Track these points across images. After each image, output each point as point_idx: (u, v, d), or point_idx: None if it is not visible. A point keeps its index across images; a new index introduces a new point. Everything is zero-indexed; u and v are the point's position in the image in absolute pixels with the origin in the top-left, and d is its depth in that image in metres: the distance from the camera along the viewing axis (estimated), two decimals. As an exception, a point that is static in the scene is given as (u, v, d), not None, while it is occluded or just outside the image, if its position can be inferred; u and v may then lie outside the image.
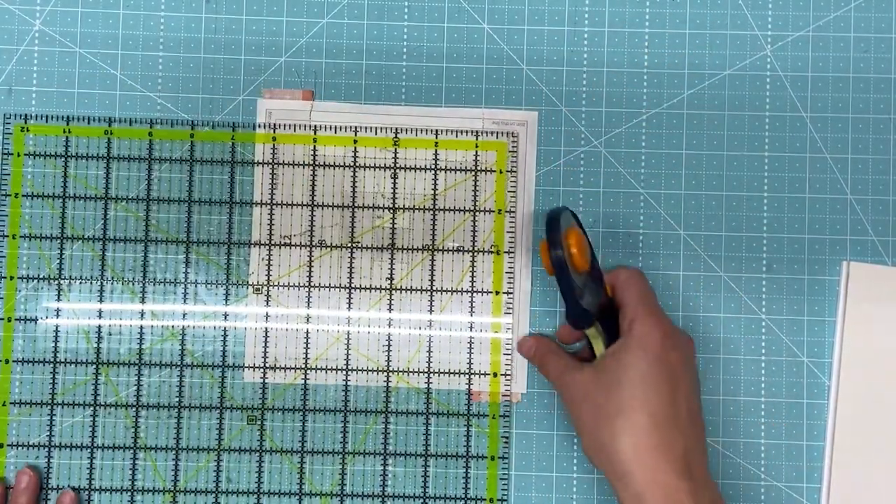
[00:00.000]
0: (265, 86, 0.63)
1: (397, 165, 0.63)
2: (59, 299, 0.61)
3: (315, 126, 0.63)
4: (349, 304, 0.62)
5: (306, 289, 0.62)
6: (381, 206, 0.63)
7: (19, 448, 0.61)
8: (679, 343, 0.55)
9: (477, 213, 0.63)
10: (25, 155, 0.62)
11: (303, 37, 0.63)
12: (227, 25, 0.63)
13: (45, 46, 0.63)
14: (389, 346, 0.62)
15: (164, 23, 0.63)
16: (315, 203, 0.62)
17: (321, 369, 0.62)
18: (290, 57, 0.63)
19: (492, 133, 0.63)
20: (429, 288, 0.62)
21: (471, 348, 0.62)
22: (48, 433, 0.61)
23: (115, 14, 0.63)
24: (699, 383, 0.57)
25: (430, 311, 0.62)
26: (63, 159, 0.62)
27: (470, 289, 0.62)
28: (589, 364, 0.56)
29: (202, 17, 0.63)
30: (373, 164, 0.63)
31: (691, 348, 0.57)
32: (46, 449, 0.61)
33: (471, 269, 0.62)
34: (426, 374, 0.62)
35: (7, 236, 0.62)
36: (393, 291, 0.62)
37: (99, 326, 0.61)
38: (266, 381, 0.62)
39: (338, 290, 0.62)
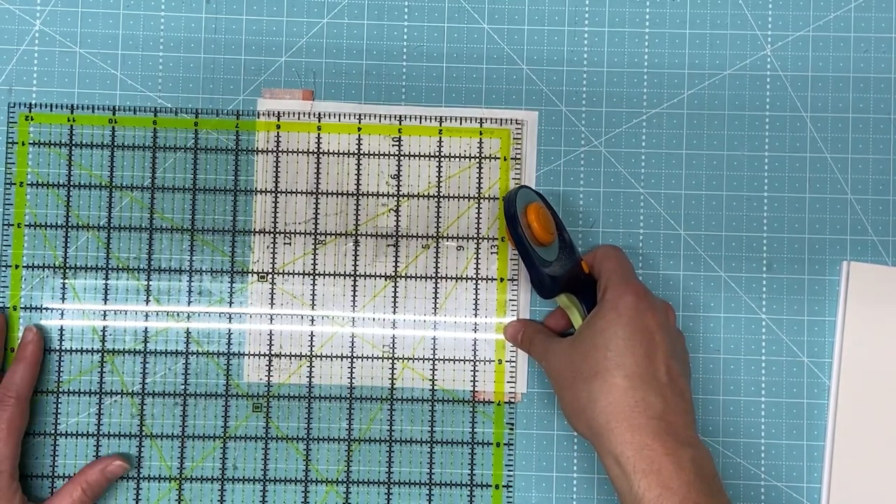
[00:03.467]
0: (265, 86, 0.63)
1: (401, 153, 0.63)
2: (64, 288, 0.62)
3: (319, 114, 0.63)
4: (353, 292, 0.62)
5: (311, 277, 0.62)
6: (386, 193, 0.63)
7: (25, 436, 0.61)
8: (654, 306, 0.55)
9: (481, 201, 0.63)
10: (30, 144, 0.62)
11: (303, 37, 0.63)
12: (227, 25, 0.63)
13: (45, 46, 0.63)
14: (394, 333, 0.62)
15: (164, 23, 0.63)
16: (319, 191, 0.63)
17: (326, 357, 0.62)
18: (290, 57, 0.63)
19: (496, 119, 0.63)
20: (433, 275, 0.62)
21: (476, 335, 0.62)
22: (53, 421, 0.61)
23: (115, 14, 0.63)
24: (684, 349, 0.57)
25: (435, 298, 0.62)
26: (67, 148, 0.62)
27: (475, 276, 0.62)
28: (567, 338, 0.57)
29: (202, 17, 0.63)
30: (377, 152, 0.63)
31: (669, 313, 0.57)
32: (52, 437, 0.61)
33: (475, 256, 0.63)
34: (431, 361, 0.62)
35: (12, 225, 0.62)
36: (397, 279, 0.62)
37: (104, 315, 0.62)
38: (271, 368, 0.62)
39: (342, 278, 0.62)
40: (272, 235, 0.62)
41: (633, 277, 0.57)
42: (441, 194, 0.63)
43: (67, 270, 0.62)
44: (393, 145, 0.63)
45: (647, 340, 0.53)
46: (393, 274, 0.62)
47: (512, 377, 0.62)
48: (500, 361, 0.62)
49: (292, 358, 0.62)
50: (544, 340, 0.58)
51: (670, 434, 0.50)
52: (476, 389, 0.62)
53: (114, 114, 0.62)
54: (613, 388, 0.52)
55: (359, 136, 0.63)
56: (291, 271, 0.62)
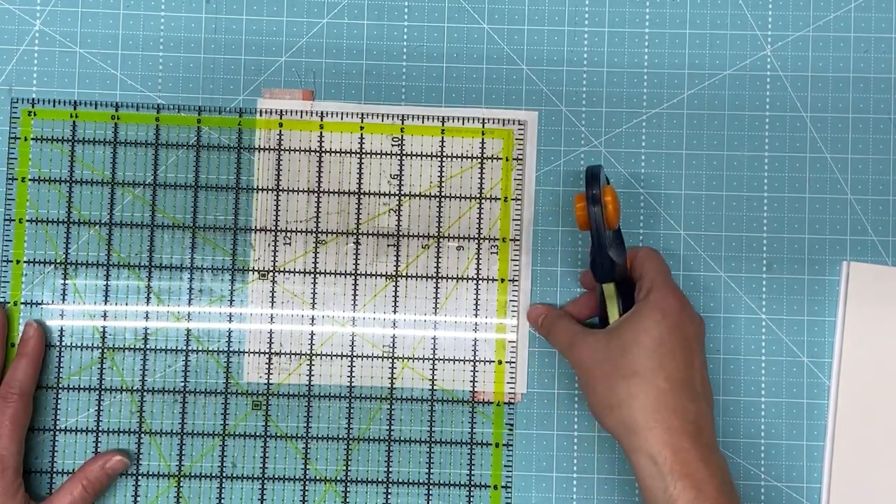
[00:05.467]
0: (265, 86, 0.63)
1: (403, 153, 0.63)
2: (65, 284, 0.62)
3: (322, 112, 0.63)
4: (354, 291, 0.62)
5: (311, 275, 0.62)
6: (387, 193, 0.63)
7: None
8: (693, 317, 0.56)
9: (483, 201, 0.63)
10: (32, 139, 0.62)
11: (303, 37, 0.63)
12: (227, 25, 0.63)
13: (45, 46, 0.63)
14: (394, 333, 0.62)
15: (164, 23, 0.63)
16: (321, 190, 0.63)
17: (326, 355, 0.62)
18: (290, 57, 0.63)
19: (498, 120, 0.63)
20: (434, 275, 0.62)
21: (476, 335, 0.62)
22: (53, 417, 0.61)
23: (115, 14, 0.63)
24: (707, 363, 0.58)
25: (436, 298, 0.62)
26: (70, 144, 0.62)
27: (475, 276, 0.62)
28: (601, 330, 0.57)
29: (202, 17, 0.63)
30: (379, 151, 0.63)
31: (703, 328, 0.57)
32: (52, 433, 0.61)
33: (476, 256, 0.63)
34: (431, 361, 0.62)
35: (14, 220, 0.62)
36: (398, 279, 0.62)
37: (105, 311, 0.62)
38: (271, 367, 0.62)
39: (343, 276, 0.62)
40: (273, 234, 0.62)
41: (675, 284, 0.57)
42: (442, 194, 0.63)
43: (68, 266, 0.62)
44: (394, 145, 0.63)
45: (687, 348, 0.54)
46: (393, 273, 0.62)
47: (512, 378, 0.62)
48: (499, 362, 0.62)
49: (292, 356, 0.62)
50: (569, 328, 0.58)
51: (701, 440, 0.52)
52: (476, 390, 0.62)
53: (116, 110, 0.62)
54: (655, 388, 0.52)
55: (361, 135, 0.63)
56: (292, 270, 0.62)
